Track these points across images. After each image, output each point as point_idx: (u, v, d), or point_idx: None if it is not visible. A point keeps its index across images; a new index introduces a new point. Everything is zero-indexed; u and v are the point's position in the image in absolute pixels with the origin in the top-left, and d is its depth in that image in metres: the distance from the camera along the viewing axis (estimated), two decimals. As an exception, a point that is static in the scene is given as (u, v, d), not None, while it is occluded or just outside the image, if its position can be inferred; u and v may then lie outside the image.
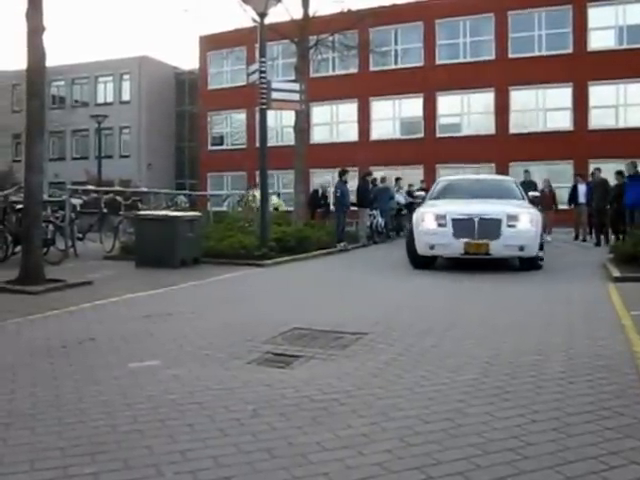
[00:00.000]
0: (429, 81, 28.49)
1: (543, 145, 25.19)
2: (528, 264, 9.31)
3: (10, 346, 4.48)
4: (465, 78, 27.27)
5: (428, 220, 9.45)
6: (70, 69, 39.19)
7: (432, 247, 9.23)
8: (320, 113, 31.10)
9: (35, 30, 7.61)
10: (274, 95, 11.30)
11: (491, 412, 2.98)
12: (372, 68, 29.85)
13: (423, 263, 9.56)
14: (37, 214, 7.88)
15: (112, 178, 30.23)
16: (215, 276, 8.67)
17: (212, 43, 33.22)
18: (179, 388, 3.38)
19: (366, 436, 2.69)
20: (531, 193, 11.35)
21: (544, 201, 14.57)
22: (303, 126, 17.82)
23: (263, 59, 11.20)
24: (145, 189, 21.14)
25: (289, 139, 21.43)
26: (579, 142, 24.78)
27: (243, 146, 32.55)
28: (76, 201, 13.08)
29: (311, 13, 18.37)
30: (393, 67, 30.15)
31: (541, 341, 4.49)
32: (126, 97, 40.43)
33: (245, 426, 2.81)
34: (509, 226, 9.02)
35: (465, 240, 9.00)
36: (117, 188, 18.76)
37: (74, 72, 40.16)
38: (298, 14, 18.40)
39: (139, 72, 39.80)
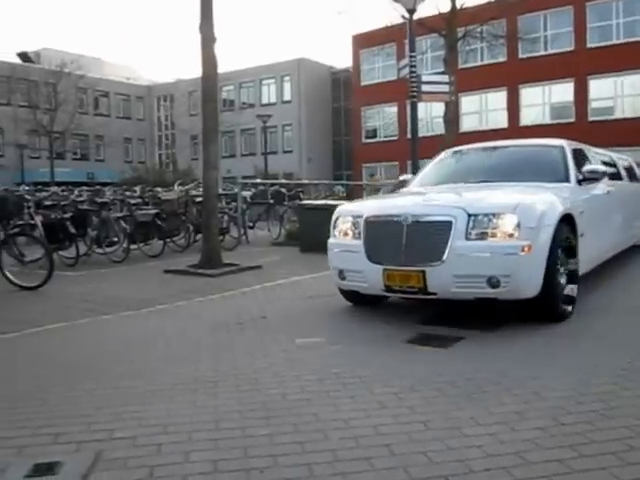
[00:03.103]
0: (580, 65, 26.42)
1: None
2: (536, 310, 4.33)
3: (194, 322, 4.88)
4: (618, 60, 24.89)
5: (342, 226, 4.92)
6: (237, 74, 41.64)
7: (342, 275, 4.78)
8: (469, 102, 30.15)
9: (207, 41, 8.19)
10: (424, 88, 11.17)
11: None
12: (521, 55, 28.32)
13: (356, 300, 5.15)
14: (214, 206, 8.50)
15: (277, 172, 31.79)
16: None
17: (364, 41, 33.51)
18: (341, 363, 3.52)
19: (518, 414, 2.64)
20: (592, 167, 5.52)
21: None
22: (452, 116, 17.40)
23: (413, 54, 11.10)
24: (306, 181, 21.96)
25: (439, 129, 21.07)
26: None
27: (395, 138, 32.58)
28: (246, 193, 13.90)
29: (458, 5, 17.84)
30: (542, 53, 28.37)
31: None
32: (287, 97, 42.18)
33: (403, 400, 2.87)
34: (472, 236, 4.16)
35: (384, 266, 4.38)
36: (281, 181, 19.67)
37: (241, 77, 42.64)
38: (446, 7, 17.97)
39: (298, 73, 41.26)
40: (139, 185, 19.37)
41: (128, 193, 13.68)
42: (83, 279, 7.55)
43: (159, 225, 9.90)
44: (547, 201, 4.44)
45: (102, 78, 44.76)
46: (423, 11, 16.77)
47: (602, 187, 5.79)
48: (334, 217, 5.07)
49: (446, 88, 11.99)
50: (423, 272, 4.19)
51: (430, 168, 6.55)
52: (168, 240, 10.17)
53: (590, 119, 26.98)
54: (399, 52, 25.94)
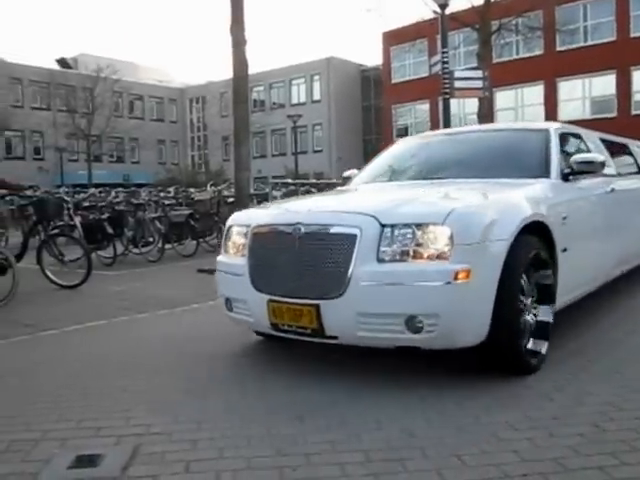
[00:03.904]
0: (623, 56, 25.65)
1: None
2: (492, 358, 3.14)
3: (227, 321, 4.94)
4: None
5: (233, 238, 3.70)
6: (267, 75, 41.95)
7: (229, 305, 3.62)
8: (504, 98, 29.66)
9: (238, 43, 8.28)
10: (457, 84, 11.08)
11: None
12: (559, 48, 27.68)
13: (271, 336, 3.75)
14: (246, 206, 8.55)
15: (307, 171, 31.91)
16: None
17: (394, 38, 33.32)
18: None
19: (557, 419, 2.59)
20: (583, 156, 4.09)
21: None
22: (486, 112, 17.18)
23: (445, 49, 11.02)
24: (336, 180, 21.98)
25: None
26: None
27: (426, 136, 32.26)
28: (277, 193, 13.97)
29: (492, -2, 17.57)
30: (582, 44, 27.66)
31: None
32: (317, 96, 42.28)
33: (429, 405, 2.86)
34: (386, 257, 2.93)
35: (269, 296, 3.20)
36: (312, 180, 19.72)
37: (271, 77, 42.94)
38: (479, 0, 17.71)
39: (328, 72, 41.33)
40: (173, 186, 19.67)
41: (162, 194, 13.90)
42: (120, 278, 7.72)
43: (192, 225, 10.04)
44: (502, 204, 3.20)
45: (136, 82, 45.73)
46: (455, 5, 16.62)
47: (601, 184, 4.45)
48: (227, 226, 3.74)
49: (480, 84, 11.85)
50: (317, 307, 2.95)
51: (378, 161, 5.12)
52: (201, 240, 10.29)
53: (634, 113, 26.21)
54: (431, 48, 25.68)
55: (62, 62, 45.75)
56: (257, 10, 69.13)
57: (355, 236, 2.95)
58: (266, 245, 3.31)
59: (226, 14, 8.20)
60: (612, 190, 4.60)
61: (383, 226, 2.95)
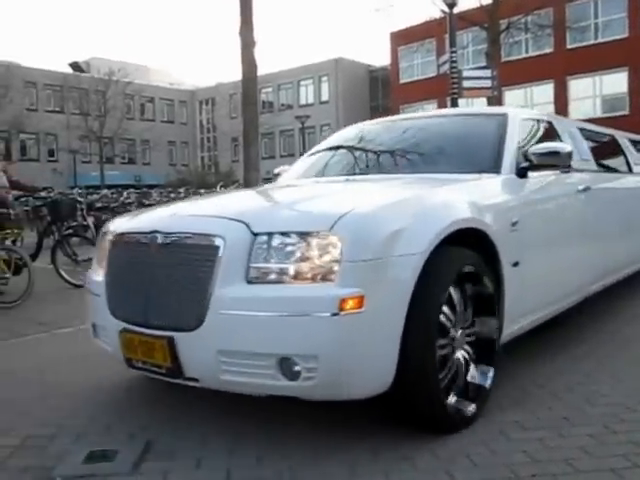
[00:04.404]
0: (635, 53, 25.38)
1: None
2: (401, 413, 2.41)
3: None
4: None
5: (100, 249, 2.89)
6: (276, 76, 42.01)
7: (95, 331, 2.82)
8: (513, 97, 29.47)
9: (247, 45, 8.32)
10: (465, 83, 11.05)
11: None
12: (569, 45, 27.45)
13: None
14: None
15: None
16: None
17: (402, 38, 33.26)
18: None
19: (567, 419, 2.57)
20: (544, 146, 3.20)
21: None
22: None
23: (453, 49, 10.98)
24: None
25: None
26: None
27: (435, 135, 32.13)
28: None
29: (501, -3, 17.47)
30: (593, 42, 27.39)
31: None
32: (325, 97, 42.29)
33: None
34: (257, 276, 2.16)
35: (124, 324, 2.45)
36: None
37: (279, 78, 42.99)
38: None
39: (336, 73, 41.33)
40: (183, 187, 19.80)
41: (173, 195, 13.99)
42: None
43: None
44: (419, 206, 2.43)
45: (147, 84, 46.04)
46: (463, 4, 16.56)
47: (572, 181, 3.64)
48: (101, 233, 2.97)
49: (488, 83, 11.81)
50: (171, 341, 2.25)
51: (311, 154, 4.32)
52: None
53: (646, 110, 25.97)
54: (439, 47, 25.60)
55: (75, 66, 46.15)
56: (265, 11, 69.52)
57: (217, 248, 2.19)
58: (122, 258, 2.57)
59: (235, 16, 8.23)
60: (586, 189, 3.72)
61: (255, 235, 2.18)
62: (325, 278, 2.09)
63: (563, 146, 3.23)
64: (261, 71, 9.21)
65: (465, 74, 11.32)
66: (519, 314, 2.93)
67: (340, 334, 2.04)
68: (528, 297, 2.97)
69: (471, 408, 2.47)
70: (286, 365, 2.08)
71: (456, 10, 11.51)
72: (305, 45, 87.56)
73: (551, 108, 28.85)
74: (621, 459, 2.17)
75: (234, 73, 58.46)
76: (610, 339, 3.81)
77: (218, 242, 2.21)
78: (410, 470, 2.15)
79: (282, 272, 2.13)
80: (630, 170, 5.02)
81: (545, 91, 29.33)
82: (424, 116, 4.59)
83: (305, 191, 3.12)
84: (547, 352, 3.54)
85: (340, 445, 2.35)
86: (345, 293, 2.04)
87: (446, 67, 11.15)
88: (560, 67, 27.64)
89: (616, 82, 27.26)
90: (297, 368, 2.07)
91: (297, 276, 2.12)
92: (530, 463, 2.16)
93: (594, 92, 28.21)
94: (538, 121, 3.83)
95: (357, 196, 2.69)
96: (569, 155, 3.18)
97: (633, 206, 4.75)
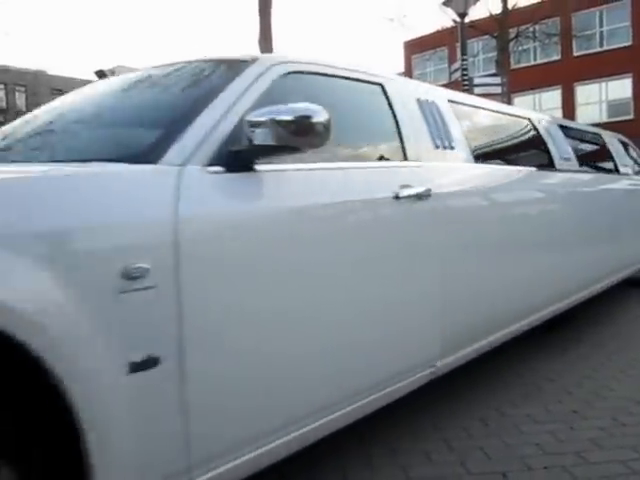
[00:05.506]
0: (639, 59, 25.19)
1: None
2: None
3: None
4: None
5: None
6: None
7: None
8: (522, 103, 29.34)
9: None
10: (476, 90, 11.04)
11: None
12: (575, 53, 27.31)
13: None
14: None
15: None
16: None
17: (416, 47, 33.21)
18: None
19: (577, 412, 2.58)
20: (274, 109, 1.49)
21: None
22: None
23: (464, 57, 10.97)
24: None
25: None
26: None
27: (446, 141, 32.05)
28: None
29: (510, 6, 17.45)
30: (598, 49, 27.23)
31: None
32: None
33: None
34: None
35: None
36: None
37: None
38: (497, 9, 17.59)
39: (350, 81, 41.30)
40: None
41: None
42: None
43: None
44: None
45: (168, 91, 46.30)
46: (474, 14, 16.52)
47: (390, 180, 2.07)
48: None
49: (498, 89, 11.78)
50: None
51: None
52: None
53: (650, 115, 25.76)
54: (451, 55, 25.56)
55: (100, 73, 46.59)
56: (280, 21, 69.75)
57: None
58: None
59: (255, 27, 8.33)
60: (420, 196, 2.11)
61: None
62: None
63: (314, 109, 1.53)
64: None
65: (476, 81, 11.32)
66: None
67: None
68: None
69: None
70: None
71: (467, 20, 11.51)
72: (321, 54, 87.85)
73: (559, 113, 28.69)
74: (630, 451, 2.19)
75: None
76: (618, 333, 3.80)
77: None
78: (426, 463, 2.17)
79: None
80: (617, 170, 4.58)
81: (553, 97, 29.15)
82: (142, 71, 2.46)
83: None
84: (558, 347, 3.54)
85: (333, 451, 2.37)
86: None
87: (458, 74, 11.14)
88: (567, 74, 27.47)
89: (621, 88, 27.07)
90: None
91: None
92: (542, 455, 2.18)
93: (600, 97, 28.01)
94: (312, 74, 2.04)
95: None
96: (326, 127, 1.54)
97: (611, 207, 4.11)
